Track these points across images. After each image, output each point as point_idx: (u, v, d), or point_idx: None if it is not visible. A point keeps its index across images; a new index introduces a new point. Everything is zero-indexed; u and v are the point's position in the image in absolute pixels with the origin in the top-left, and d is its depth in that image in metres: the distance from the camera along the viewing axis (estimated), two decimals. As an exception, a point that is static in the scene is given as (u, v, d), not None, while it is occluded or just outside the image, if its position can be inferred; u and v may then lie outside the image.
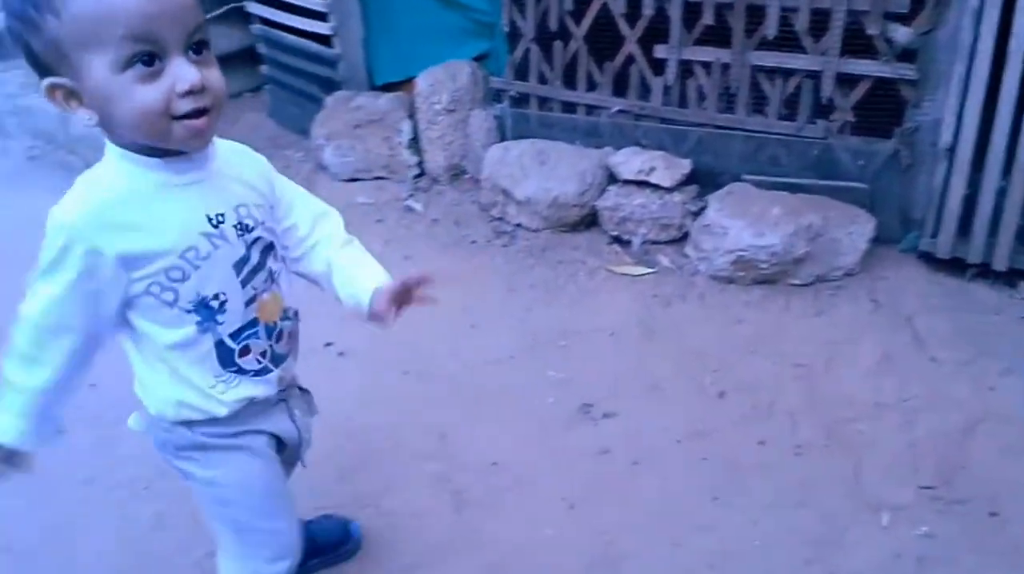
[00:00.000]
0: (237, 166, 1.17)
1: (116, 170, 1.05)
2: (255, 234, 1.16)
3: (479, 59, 3.31)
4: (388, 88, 3.54)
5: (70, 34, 0.92)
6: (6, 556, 1.77)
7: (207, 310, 1.12)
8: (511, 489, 1.92)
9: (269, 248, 1.20)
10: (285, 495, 1.35)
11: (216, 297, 1.12)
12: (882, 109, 2.53)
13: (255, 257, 1.16)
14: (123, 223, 1.03)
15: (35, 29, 0.93)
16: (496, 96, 3.27)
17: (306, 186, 3.58)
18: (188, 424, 1.21)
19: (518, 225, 3.05)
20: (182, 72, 0.94)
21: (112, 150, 1.05)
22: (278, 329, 1.22)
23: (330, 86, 3.55)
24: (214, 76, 0.99)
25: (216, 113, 1.01)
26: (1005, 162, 2.29)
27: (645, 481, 1.93)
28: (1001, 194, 2.34)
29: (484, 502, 1.88)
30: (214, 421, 1.20)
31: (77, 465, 1.96)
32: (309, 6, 3.44)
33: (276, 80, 3.89)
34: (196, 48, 0.97)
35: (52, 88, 0.97)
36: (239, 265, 1.14)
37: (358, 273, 1.28)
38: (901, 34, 2.33)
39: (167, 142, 1.00)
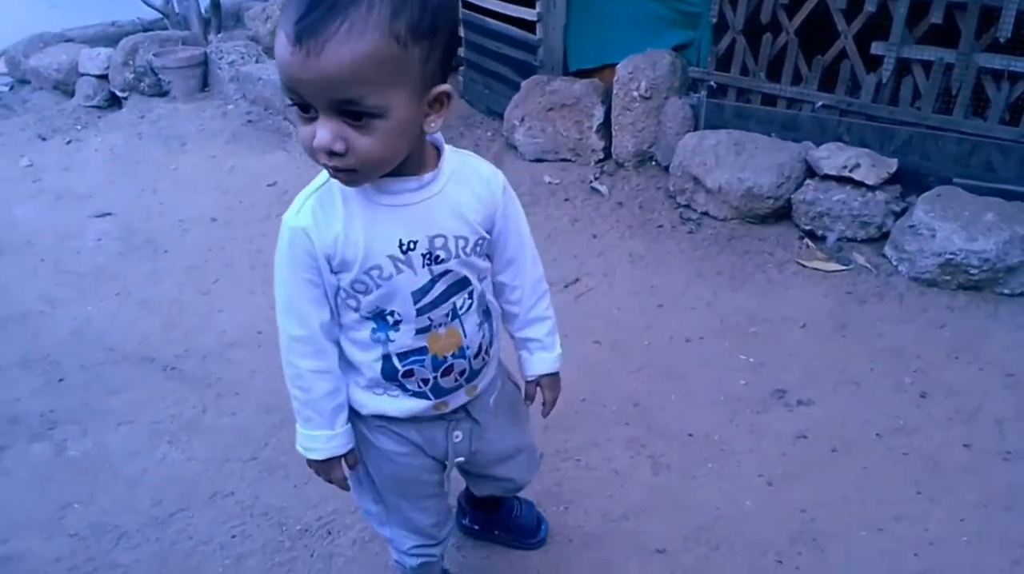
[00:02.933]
0: (461, 193, 1.13)
1: (335, 185, 1.07)
2: (444, 266, 1.12)
3: (678, 49, 3.37)
4: (580, 75, 3.67)
5: (452, 49, 1.01)
6: (253, 463, 2.02)
7: (383, 322, 1.14)
8: (707, 461, 2.00)
9: (461, 283, 1.16)
10: (420, 493, 1.35)
11: (392, 314, 1.13)
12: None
13: (438, 289, 1.14)
14: (333, 230, 1.07)
15: (435, 41, 0.97)
16: (694, 86, 3.32)
17: (495, 163, 3.81)
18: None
19: (704, 213, 3.10)
20: (319, 132, 0.94)
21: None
22: (447, 364, 1.19)
23: (526, 70, 3.72)
24: (363, 143, 0.95)
25: (364, 174, 1.00)
26: None
27: (845, 467, 1.96)
28: None
29: (681, 469, 1.97)
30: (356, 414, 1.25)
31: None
32: (516, -8, 3.61)
33: (472, 63, 4.11)
34: (353, 115, 0.93)
35: (439, 94, 1.02)
36: (418, 294, 1.12)
37: (534, 357, 1.40)
38: None
39: None
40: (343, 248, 1.07)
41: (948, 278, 2.53)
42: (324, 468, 1.24)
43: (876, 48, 2.77)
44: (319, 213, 1.07)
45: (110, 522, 1.85)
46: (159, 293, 2.81)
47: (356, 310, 1.13)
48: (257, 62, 4.62)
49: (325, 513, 1.84)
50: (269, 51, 4.82)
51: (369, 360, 1.17)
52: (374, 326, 1.14)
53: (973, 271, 2.48)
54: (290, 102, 0.96)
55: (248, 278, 2.86)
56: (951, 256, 2.49)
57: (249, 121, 4.37)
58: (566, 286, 2.75)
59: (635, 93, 3.33)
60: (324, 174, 1.07)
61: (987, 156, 2.67)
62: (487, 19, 3.88)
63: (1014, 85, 2.56)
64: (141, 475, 1.99)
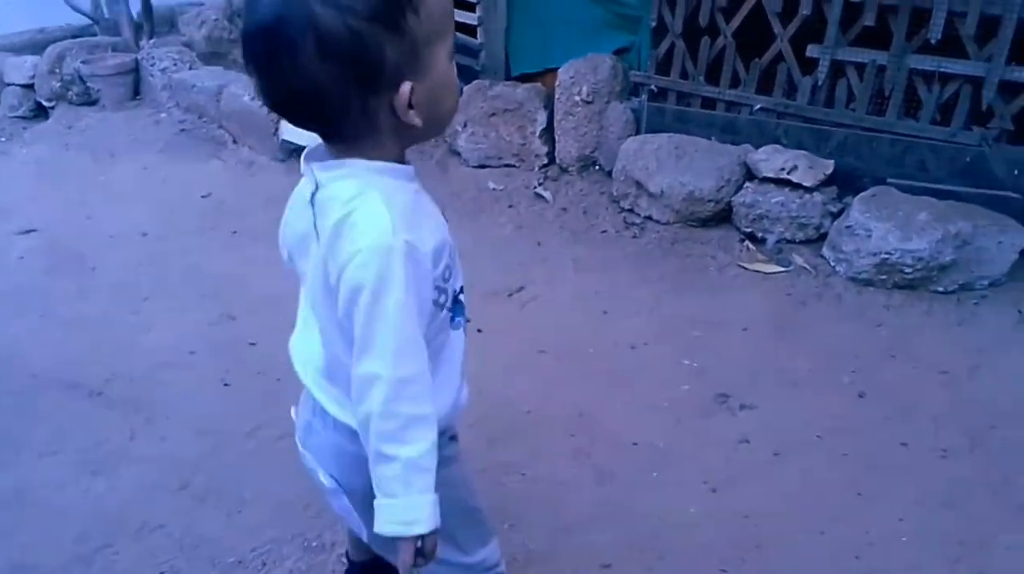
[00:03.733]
0: None
1: (387, 185, 0.94)
2: None
3: (619, 52, 3.37)
4: (522, 79, 3.64)
5: (428, 29, 0.87)
6: (184, 492, 1.94)
7: (459, 305, 1.06)
8: (652, 469, 1.98)
9: None
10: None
11: (462, 290, 1.06)
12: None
13: None
14: (423, 229, 0.95)
15: (397, 31, 0.85)
16: (635, 89, 3.33)
17: (439, 170, 3.74)
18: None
19: (648, 217, 3.10)
20: None
21: (365, 173, 0.93)
22: None
23: (468, 75, 3.68)
24: None
25: None
26: None
27: (787, 471, 1.96)
28: None
29: (627, 479, 1.95)
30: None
31: (245, 417, 2.13)
32: (455, -4, 3.57)
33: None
34: None
35: (409, 95, 0.88)
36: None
37: None
38: (1077, 42, 2.27)
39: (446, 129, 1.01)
40: (438, 242, 0.96)
41: (884, 277, 2.57)
42: (430, 541, 0.99)
43: (811, 51, 2.81)
44: (408, 217, 0.92)
45: (29, 561, 1.75)
46: (86, 313, 2.69)
47: (442, 305, 1.01)
48: (191, 68, 4.48)
49: (260, 543, 1.77)
50: (204, 57, 4.68)
51: (459, 358, 1.07)
52: (452, 314, 1.04)
53: (908, 270, 2.52)
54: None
55: (181, 294, 2.76)
56: (887, 256, 2.53)
57: (183, 130, 4.23)
58: (510, 295, 2.72)
59: (577, 98, 3.32)
60: (354, 181, 0.92)
61: (920, 156, 2.72)
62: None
63: (945, 86, 2.61)
64: (65, 509, 1.89)
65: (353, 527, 1.18)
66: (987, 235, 2.52)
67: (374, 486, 0.97)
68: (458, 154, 3.62)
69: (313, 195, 0.95)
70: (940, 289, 2.55)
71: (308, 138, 0.96)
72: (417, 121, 0.90)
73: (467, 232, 3.09)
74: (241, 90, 3.93)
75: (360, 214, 0.90)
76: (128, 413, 2.20)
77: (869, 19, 2.62)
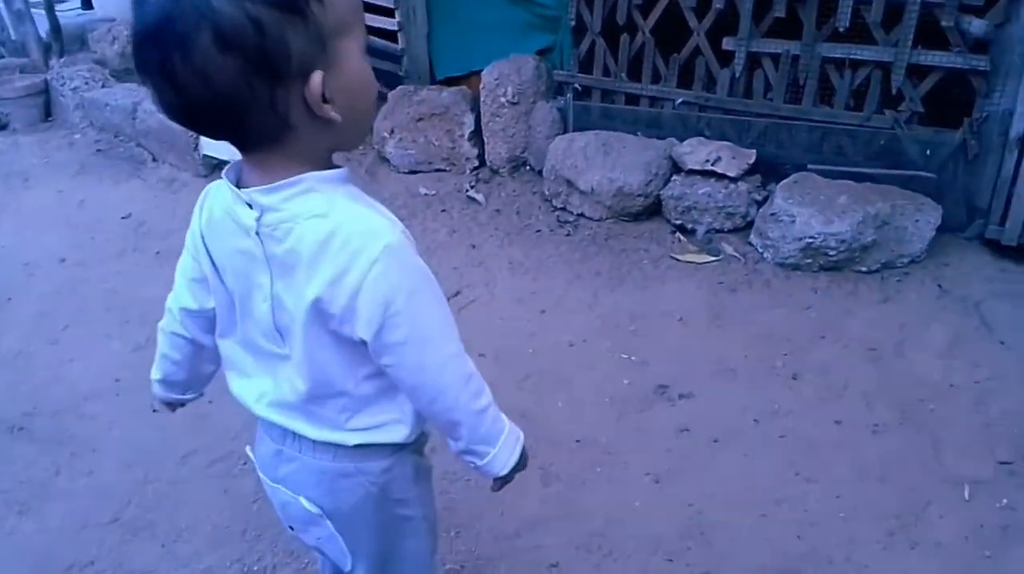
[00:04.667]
0: None
1: (349, 192, 0.90)
2: None
3: (542, 52, 3.38)
4: (448, 82, 3.63)
5: (334, 19, 0.82)
6: (115, 526, 1.86)
7: None
8: (596, 465, 1.99)
9: None
10: None
11: None
12: (950, 99, 2.56)
13: None
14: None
15: (300, 19, 0.79)
16: (559, 89, 3.34)
17: (368, 178, 3.69)
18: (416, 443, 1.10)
19: (580, 215, 3.12)
20: None
21: (324, 184, 0.88)
22: None
23: (392, 80, 3.64)
24: None
25: None
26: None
27: (726, 457, 1.99)
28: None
29: (571, 477, 1.95)
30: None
31: (175, 444, 2.06)
32: (375, 2, 3.53)
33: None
34: None
35: (321, 86, 0.82)
36: None
37: None
38: (976, 26, 2.37)
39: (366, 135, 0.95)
40: None
41: (810, 261, 2.64)
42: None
43: (727, 43, 2.87)
44: (384, 210, 0.92)
45: (-52, 613, 1.65)
46: (3, 346, 2.56)
47: None
48: (104, 86, 4.33)
49: (198, 572, 1.71)
50: (117, 74, 4.52)
51: None
52: None
53: (832, 253, 2.59)
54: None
55: (103, 321, 2.65)
56: (811, 240, 2.60)
57: (99, 150, 4.08)
58: (448, 300, 2.69)
59: (503, 99, 3.31)
60: (318, 195, 0.87)
61: (837, 141, 2.80)
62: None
63: (856, 72, 2.69)
64: (-14, 554, 1.79)
65: (334, 558, 1.12)
66: (904, 214, 2.61)
67: (479, 444, 1.04)
68: (387, 161, 3.58)
69: (259, 222, 0.87)
70: (864, 269, 2.63)
71: (230, 152, 0.89)
72: (334, 115, 0.84)
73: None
74: (158, 106, 3.81)
75: (348, 227, 0.85)
76: (52, 448, 2.10)
77: (780, 10, 2.69)
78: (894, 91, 2.63)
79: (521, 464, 1.11)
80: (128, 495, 1.92)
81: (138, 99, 3.98)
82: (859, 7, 2.56)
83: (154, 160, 3.89)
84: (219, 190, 0.93)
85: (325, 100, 0.83)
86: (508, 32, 3.36)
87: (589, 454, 2.02)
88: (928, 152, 2.65)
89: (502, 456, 1.06)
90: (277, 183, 0.86)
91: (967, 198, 2.65)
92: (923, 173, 2.67)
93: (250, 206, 0.87)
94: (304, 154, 0.87)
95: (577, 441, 2.06)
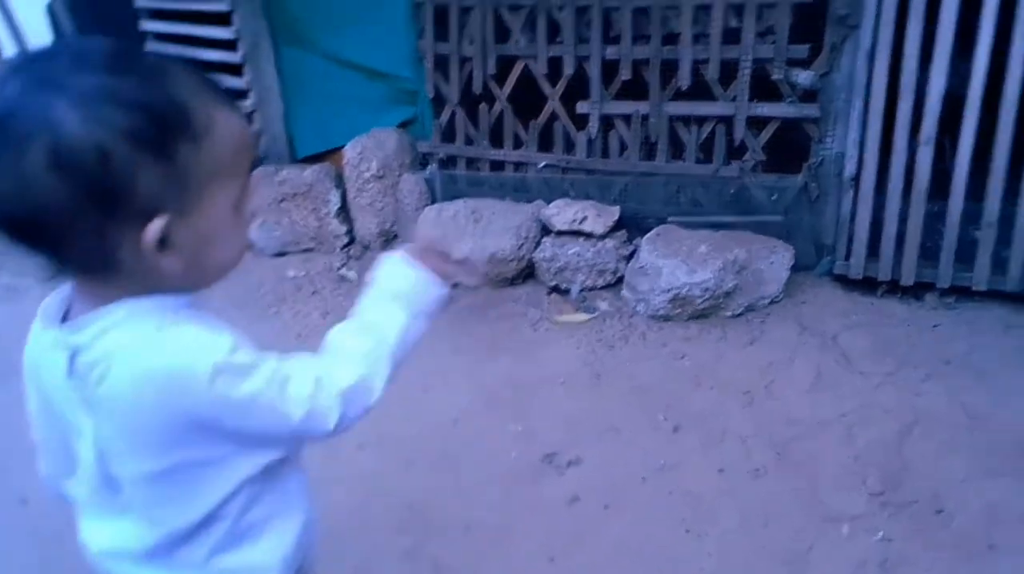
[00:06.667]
0: None
1: (169, 318, 0.80)
2: None
3: (404, 124, 3.38)
4: (311, 160, 3.56)
5: (208, 165, 0.75)
6: None
7: None
8: (489, 550, 1.92)
9: None
10: None
11: None
12: (790, 146, 2.73)
13: None
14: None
15: (161, 160, 0.71)
16: (424, 160, 3.34)
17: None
18: None
19: (456, 284, 3.09)
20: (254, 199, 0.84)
21: (128, 310, 0.78)
22: None
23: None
24: None
25: None
26: (904, 187, 2.51)
27: (618, 523, 1.97)
28: (903, 216, 2.55)
29: (464, 567, 1.88)
30: None
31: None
32: (225, 85, 3.44)
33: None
34: None
35: (159, 233, 0.73)
36: None
37: None
38: (803, 77, 2.55)
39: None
40: None
41: (679, 311, 2.71)
42: None
43: (581, 107, 2.96)
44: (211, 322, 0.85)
45: None
46: None
47: None
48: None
49: None
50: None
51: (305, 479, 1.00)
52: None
53: (699, 301, 2.67)
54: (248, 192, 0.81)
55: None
56: (678, 290, 2.67)
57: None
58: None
59: (368, 174, 3.28)
60: (135, 324, 0.78)
61: (692, 193, 2.93)
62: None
63: (701, 127, 2.83)
64: None
65: None
66: (760, 258, 2.74)
67: (415, 321, 1.00)
68: (253, 245, 3.46)
69: (72, 363, 0.78)
70: (729, 314, 2.73)
71: None
72: (170, 266, 0.75)
73: (269, 327, 2.93)
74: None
75: (169, 359, 0.76)
76: None
77: (625, 74, 2.81)
78: (737, 143, 2.78)
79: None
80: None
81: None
82: (698, 66, 2.70)
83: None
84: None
85: (165, 246, 0.74)
86: (368, 106, 3.35)
87: (482, 539, 1.95)
88: (775, 197, 2.81)
89: (427, 292, 1.02)
90: (91, 315, 0.77)
91: (814, 237, 2.81)
92: (772, 217, 2.81)
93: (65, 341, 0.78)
94: (134, 287, 0.78)
95: (468, 527, 1.99)
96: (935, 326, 2.55)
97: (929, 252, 2.59)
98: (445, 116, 3.20)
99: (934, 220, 2.56)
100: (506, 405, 2.44)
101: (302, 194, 3.36)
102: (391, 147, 3.26)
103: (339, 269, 3.27)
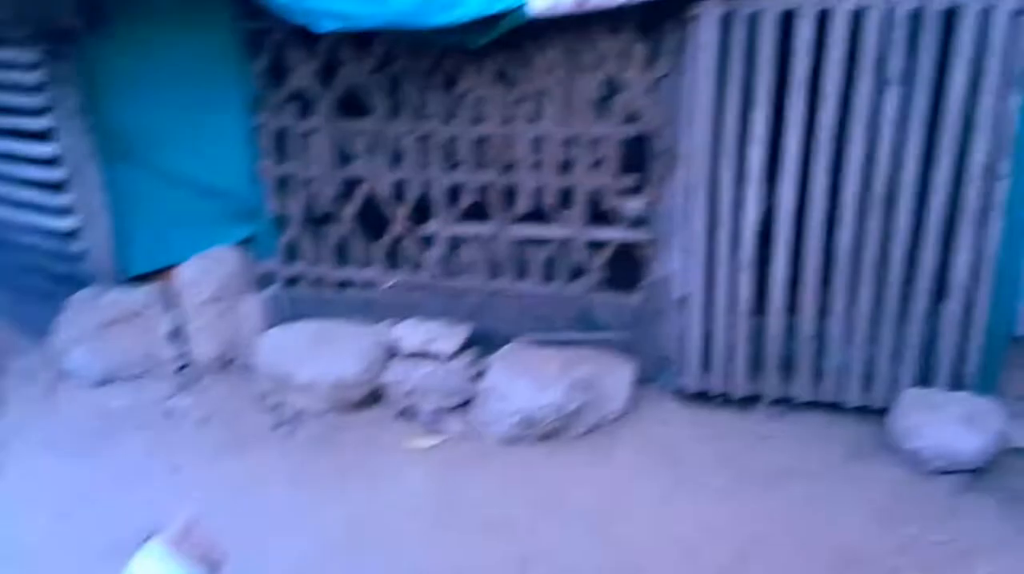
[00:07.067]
0: None
1: None
2: None
3: (245, 243, 3.26)
4: (143, 280, 3.35)
5: None
6: None
7: None
8: None
9: None
10: None
11: None
12: (627, 267, 2.85)
13: None
14: None
15: None
16: (267, 280, 3.22)
17: (45, 397, 3.21)
18: None
19: (300, 411, 2.95)
20: None
21: None
22: None
23: (75, 283, 3.28)
24: None
25: None
26: (729, 306, 2.66)
27: None
28: (730, 331, 2.70)
29: None
30: None
31: None
32: (47, 203, 3.21)
33: (7, 280, 3.51)
34: None
35: None
36: None
37: None
38: (632, 206, 2.70)
39: None
40: None
41: (529, 432, 2.70)
42: None
43: (427, 228, 2.97)
44: None
45: None
46: None
47: None
48: None
49: None
50: None
51: None
52: None
53: (547, 422, 2.67)
54: None
55: None
56: (526, 412, 2.66)
57: None
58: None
59: (205, 295, 3.11)
60: None
61: (539, 311, 2.97)
62: (13, 231, 3.37)
63: (545, 248, 2.91)
64: None
65: None
66: (604, 375, 2.79)
67: None
68: (72, 374, 3.15)
69: None
70: (576, 433, 2.73)
71: None
72: None
73: (84, 469, 2.65)
74: None
75: None
76: None
77: (469, 198, 2.87)
78: (578, 264, 2.87)
79: None
80: None
81: None
82: (537, 193, 2.80)
83: None
84: None
85: None
86: (205, 224, 3.20)
87: None
88: (616, 314, 2.90)
89: None
90: None
91: (655, 352, 2.91)
92: (615, 334, 2.90)
93: None
94: None
95: None
96: (766, 438, 2.66)
97: (757, 365, 2.74)
98: (288, 235, 3.12)
99: (760, 335, 2.71)
100: (352, 551, 2.29)
101: (132, 317, 3.13)
102: (230, 267, 3.12)
103: (170, 399, 3.03)
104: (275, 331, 3.05)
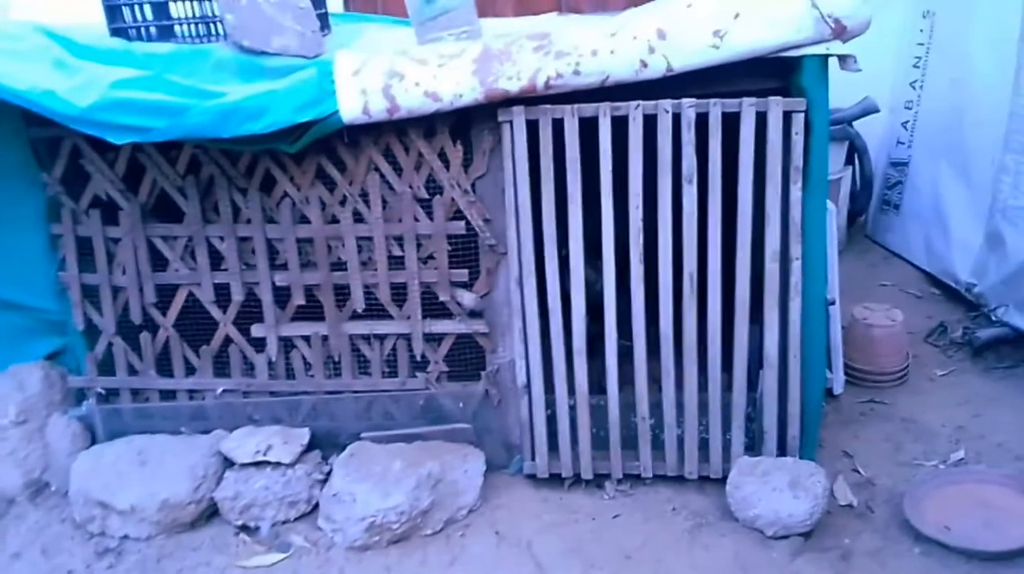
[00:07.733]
0: None
1: None
2: None
3: (52, 357, 2.98)
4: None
5: None
6: None
7: None
8: None
9: None
10: None
11: None
12: (469, 356, 2.84)
13: None
14: None
15: None
16: (80, 395, 2.95)
17: None
18: None
19: (125, 537, 2.70)
20: None
21: None
22: None
23: None
24: None
25: None
26: (568, 389, 2.71)
27: None
28: (572, 414, 2.74)
29: None
30: None
31: None
32: None
33: None
34: None
35: None
36: None
37: None
38: (466, 299, 2.70)
39: None
40: None
41: (378, 538, 2.60)
42: None
43: (257, 330, 2.84)
44: None
45: None
46: None
47: None
48: None
49: None
50: None
51: None
52: None
53: (396, 525, 2.59)
54: None
55: None
56: (372, 518, 2.57)
57: None
58: None
59: (6, 419, 2.81)
60: None
61: (383, 407, 2.90)
62: None
63: (383, 343, 2.85)
64: None
65: None
66: (454, 467, 2.75)
67: None
68: None
69: None
70: (429, 532, 2.67)
71: None
72: None
73: None
74: None
75: None
76: None
77: (299, 299, 2.77)
78: (419, 356, 2.83)
79: None
80: None
81: None
82: (370, 290, 2.75)
83: None
84: None
85: None
86: (3, 340, 2.90)
87: None
88: (462, 404, 2.87)
89: None
90: None
91: (503, 439, 2.91)
92: (461, 424, 2.87)
93: None
94: None
95: None
96: (615, 516, 2.71)
97: (603, 444, 2.79)
98: (101, 346, 2.88)
99: (603, 415, 2.77)
100: None
101: (-84, 450, 2.77)
102: (35, 385, 2.84)
103: (-32, 541, 2.69)
104: (92, 450, 2.79)
